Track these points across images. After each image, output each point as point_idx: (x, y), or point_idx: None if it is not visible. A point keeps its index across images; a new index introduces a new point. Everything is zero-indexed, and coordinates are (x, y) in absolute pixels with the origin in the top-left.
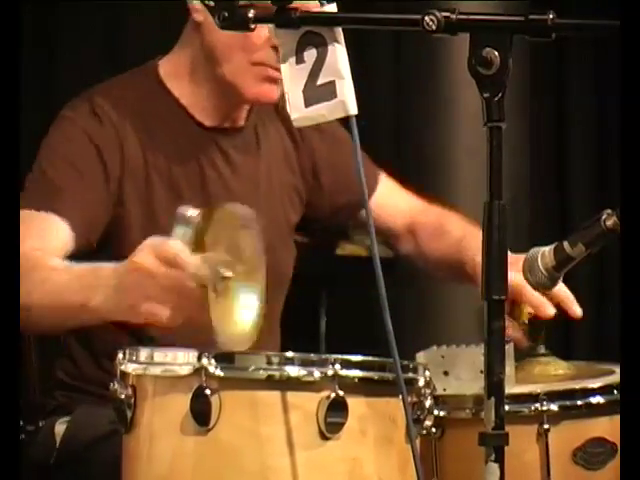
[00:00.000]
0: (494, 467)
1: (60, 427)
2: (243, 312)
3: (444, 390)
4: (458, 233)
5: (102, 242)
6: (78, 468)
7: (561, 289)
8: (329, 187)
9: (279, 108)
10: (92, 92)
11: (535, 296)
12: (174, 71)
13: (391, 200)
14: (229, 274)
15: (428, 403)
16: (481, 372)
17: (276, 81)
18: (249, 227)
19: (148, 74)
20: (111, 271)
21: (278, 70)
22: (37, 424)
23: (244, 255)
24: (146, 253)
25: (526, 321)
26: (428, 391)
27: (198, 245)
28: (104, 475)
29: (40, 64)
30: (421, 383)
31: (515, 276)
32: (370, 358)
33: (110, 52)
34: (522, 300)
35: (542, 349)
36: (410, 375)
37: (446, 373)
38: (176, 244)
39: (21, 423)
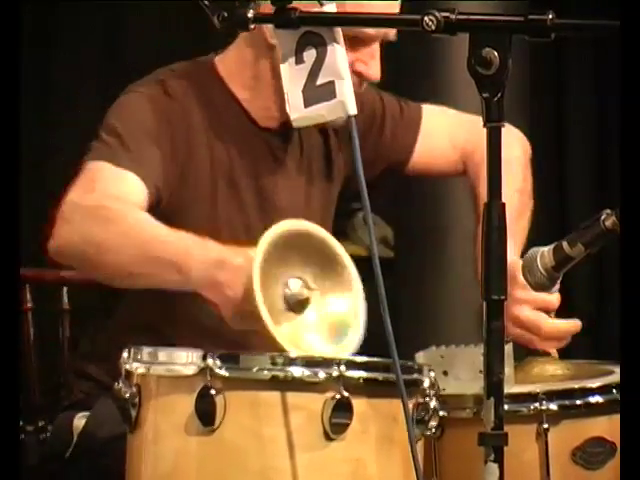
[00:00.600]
0: (493, 467)
1: (79, 421)
2: (333, 330)
3: (443, 390)
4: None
5: (165, 212)
6: (94, 463)
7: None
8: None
9: None
10: (160, 75)
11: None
12: (233, 74)
13: (435, 139)
14: (305, 292)
15: (433, 404)
16: (480, 372)
17: None
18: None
19: (207, 70)
20: (219, 246)
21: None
22: (37, 424)
23: (334, 271)
24: (246, 261)
25: None
26: (433, 392)
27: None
28: (120, 472)
29: (40, 64)
30: (426, 384)
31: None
32: (374, 359)
33: (110, 52)
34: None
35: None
36: (415, 376)
37: (445, 373)
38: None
39: (20, 423)
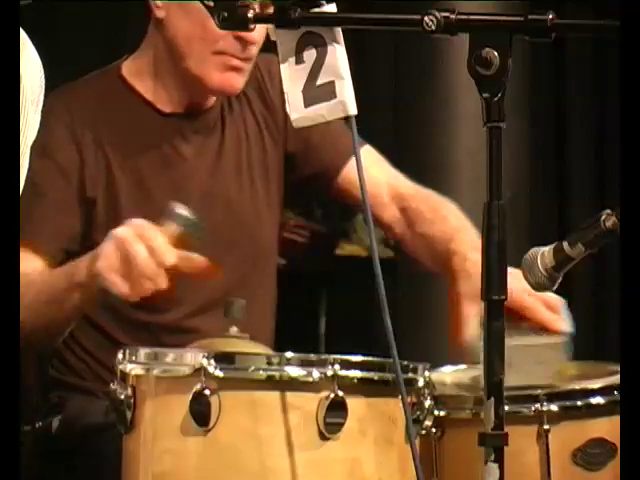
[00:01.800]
0: (493, 467)
1: (56, 424)
2: None
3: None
4: (456, 223)
5: (83, 245)
6: (72, 461)
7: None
8: (299, 157)
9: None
10: (48, 96)
11: (526, 299)
12: (137, 69)
13: (369, 169)
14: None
15: (428, 403)
16: (541, 363)
17: (240, 70)
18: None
19: (109, 74)
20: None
21: (243, 60)
22: (34, 424)
23: None
24: (126, 228)
25: None
26: (427, 391)
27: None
28: (98, 467)
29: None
30: (420, 383)
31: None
32: (370, 358)
33: (109, 53)
34: (509, 304)
35: (572, 348)
36: (410, 375)
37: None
38: (156, 233)
39: None
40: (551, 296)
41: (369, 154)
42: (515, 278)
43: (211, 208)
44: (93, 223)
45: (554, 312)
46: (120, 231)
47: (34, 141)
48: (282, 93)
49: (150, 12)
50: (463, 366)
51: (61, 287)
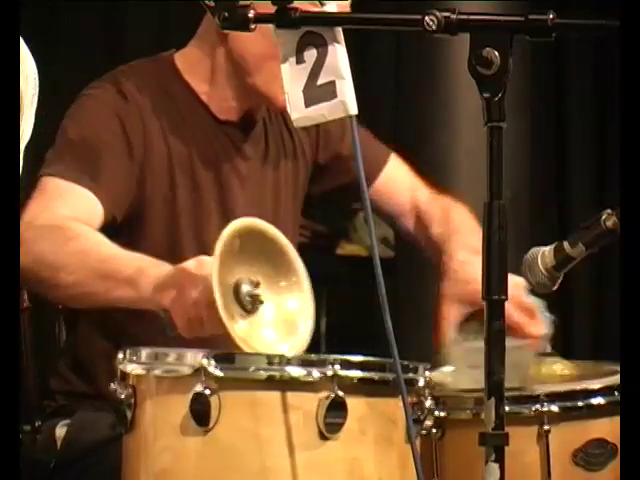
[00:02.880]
0: (494, 467)
1: (60, 430)
2: (286, 326)
3: (475, 383)
4: (458, 224)
5: (124, 222)
6: (78, 472)
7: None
8: (329, 169)
9: None
10: (116, 74)
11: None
12: (192, 68)
13: (398, 182)
14: (258, 292)
15: (428, 403)
16: (514, 365)
17: None
18: (266, 237)
19: (165, 65)
20: (164, 265)
21: None
22: (34, 424)
23: (287, 268)
24: (196, 266)
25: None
26: (428, 391)
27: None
28: (105, 479)
29: (40, 65)
30: (421, 383)
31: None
32: (370, 358)
33: (109, 51)
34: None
35: (548, 349)
36: (410, 375)
37: (472, 367)
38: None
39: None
40: (526, 300)
41: (397, 163)
42: None
43: (248, 217)
44: (144, 204)
45: (529, 316)
46: (190, 267)
47: (102, 100)
48: None
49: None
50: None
51: (122, 275)
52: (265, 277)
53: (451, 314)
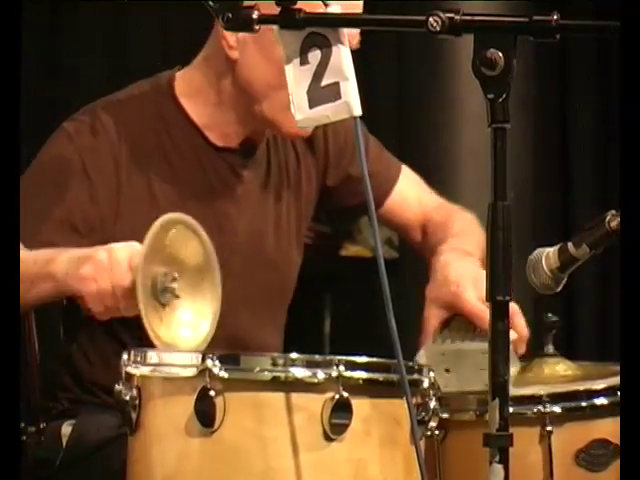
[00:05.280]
0: (498, 468)
1: (66, 429)
2: (193, 323)
3: (445, 387)
4: (458, 229)
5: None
6: (84, 471)
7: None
8: (340, 189)
9: None
10: (97, 105)
11: (477, 307)
12: (193, 91)
13: (409, 194)
14: (174, 286)
15: (433, 404)
16: (482, 370)
17: None
18: (195, 235)
19: (162, 89)
20: (85, 248)
21: None
22: (38, 426)
23: (187, 265)
24: (126, 249)
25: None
26: (432, 392)
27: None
28: (109, 478)
29: (42, 65)
30: (426, 384)
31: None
32: (374, 359)
33: (111, 54)
34: (463, 311)
35: (551, 349)
36: (415, 376)
37: (447, 370)
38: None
39: (22, 425)
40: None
41: (407, 177)
42: (468, 285)
43: (250, 247)
44: (123, 238)
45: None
46: (119, 250)
47: (71, 137)
48: (324, 129)
49: (209, 30)
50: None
51: (32, 272)
52: (186, 276)
53: (431, 316)
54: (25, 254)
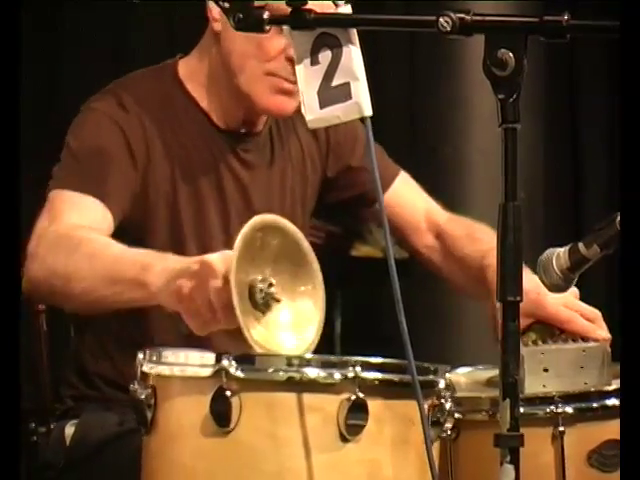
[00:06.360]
0: (509, 468)
1: (70, 429)
2: (297, 328)
3: (543, 386)
4: (489, 243)
5: (129, 231)
6: (87, 469)
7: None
8: (339, 181)
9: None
10: (115, 87)
11: (562, 311)
12: (193, 75)
13: (407, 197)
14: (273, 291)
15: (448, 405)
16: (581, 367)
17: (291, 93)
18: (285, 236)
19: (168, 73)
20: (180, 257)
21: (293, 82)
22: (49, 426)
23: (284, 267)
24: (221, 258)
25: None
26: (448, 393)
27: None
28: (113, 476)
29: (44, 66)
30: (441, 385)
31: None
32: (390, 360)
33: (116, 54)
34: (544, 316)
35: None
36: (430, 377)
37: (546, 370)
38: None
39: (33, 425)
40: (588, 308)
41: (406, 181)
42: (546, 292)
43: None
44: (145, 211)
45: (593, 321)
46: (215, 260)
47: (104, 113)
48: None
49: (207, 18)
50: (481, 367)
51: (129, 276)
52: (282, 278)
53: None
54: (120, 252)
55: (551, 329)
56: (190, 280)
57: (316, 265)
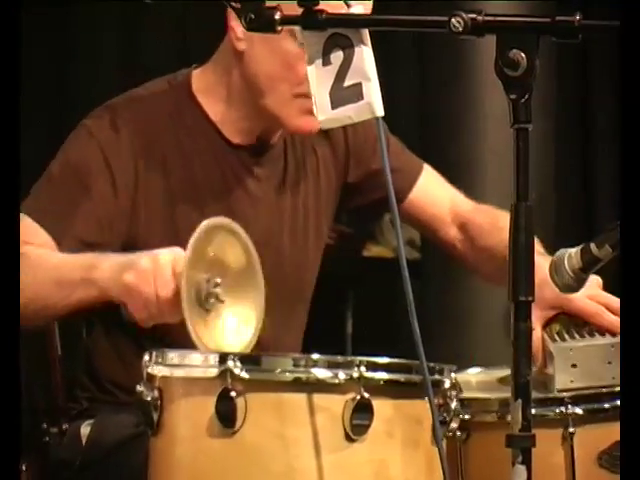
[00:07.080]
0: (521, 469)
1: (85, 429)
2: (236, 329)
3: (571, 382)
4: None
5: (124, 249)
6: (103, 470)
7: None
8: (362, 185)
9: None
10: (117, 102)
11: (589, 304)
12: (208, 88)
13: (433, 192)
14: (218, 291)
15: (454, 405)
16: (609, 363)
17: None
18: (238, 240)
19: (180, 86)
20: (126, 254)
21: None
22: (61, 427)
23: (230, 270)
24: (169, 255)
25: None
26: (454, 393)
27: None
28: (128, 477)
29: (55, 66)
30: (447, 385)
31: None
32: (396, 360)
33: (128, 55)
34: (571, 310)
35: None
36: (436, 377)
37: (574, 366)
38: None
39: (45, 425)
40: (612, 298)
41: (430, 175)
42: None
43: (266, 246)
44: (139, 238)
45: (618, 315)
46: (163, 256)
47: (92, 133)
48: (342, 127)
49: (226, 27)
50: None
51: (75, 277)
52: (228, 280)
53: (535, 318)
54: (64, 257)
55: (575, 320)
56: (138, 273)
57: (260, 275)
